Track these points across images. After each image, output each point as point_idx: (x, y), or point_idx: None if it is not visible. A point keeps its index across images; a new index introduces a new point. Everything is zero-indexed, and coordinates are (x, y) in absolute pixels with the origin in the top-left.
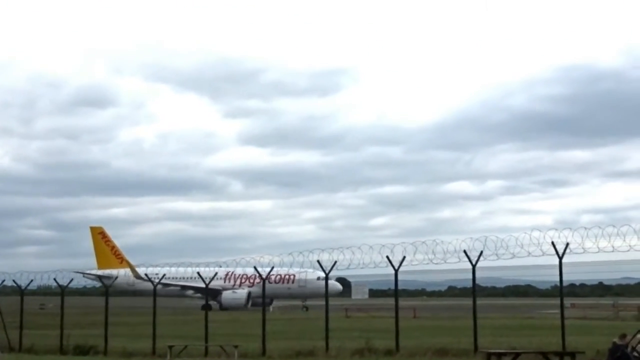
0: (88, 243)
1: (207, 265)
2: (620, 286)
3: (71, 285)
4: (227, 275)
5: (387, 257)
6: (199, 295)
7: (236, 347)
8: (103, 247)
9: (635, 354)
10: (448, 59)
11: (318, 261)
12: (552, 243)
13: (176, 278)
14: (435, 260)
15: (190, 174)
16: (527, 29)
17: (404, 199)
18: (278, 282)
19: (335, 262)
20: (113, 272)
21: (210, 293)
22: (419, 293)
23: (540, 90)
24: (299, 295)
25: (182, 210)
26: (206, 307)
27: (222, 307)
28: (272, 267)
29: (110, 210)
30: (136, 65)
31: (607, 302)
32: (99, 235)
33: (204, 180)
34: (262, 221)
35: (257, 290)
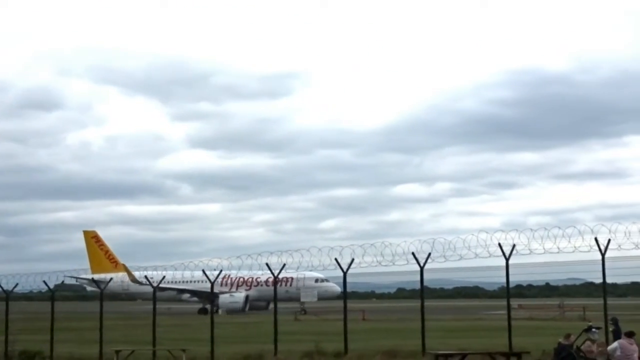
0: (37, 247)
1: (155, 269)
2: (566, 287)
3: (17, 290)
4: (223, 278)
5: (336, 259)
6: (195, 299)
7: (184, 351)
8: (97, 251)
9: (581, 354)
10: (398, 63)
11: (267, 264)
12: (499, 245)
13: (171, 282)
14: (384, 262)
15: (139, 177)
16: (476, 34)
17: (354, 201)
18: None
19: (284, 264)
20: (107, 276)
21: (207, 296)
22: (369, 295)
23: (490, 93)
24: (297, 298)
25: (131, 214)
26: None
27: (217, 311)
28: (221, 271)
29: (58, 214)
30: (84, 67)
31: (554, 303)
32: (93, 239)
33: (153, 184)
34: (212, 224)
35: (254, 293)
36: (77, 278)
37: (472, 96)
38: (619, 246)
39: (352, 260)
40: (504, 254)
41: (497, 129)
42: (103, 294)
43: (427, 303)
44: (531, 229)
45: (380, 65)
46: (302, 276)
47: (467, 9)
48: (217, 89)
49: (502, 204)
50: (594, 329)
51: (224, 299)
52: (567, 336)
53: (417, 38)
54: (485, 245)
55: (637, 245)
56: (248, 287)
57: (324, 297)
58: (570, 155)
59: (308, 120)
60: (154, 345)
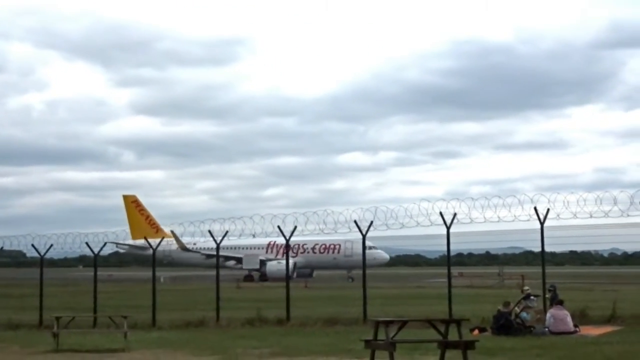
0: None
1: (96, 235)
2: (505, 255)
3: None
4: (268, 245)
5: (279, 227)
6: (239, 266)
7: (125, 317)
8: (137, 216)
9: (519, 320)
10: (343, 31)
11: (209, 231)
12: (440, 213)
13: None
14: (326, 230)
15: (81, 143)
16: (420, 3)
17: (298, 170)
18: (323, 252)
19: (227, 232)
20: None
21: (254, 263)
22: None
23: (433, 63)
24: (344, 265)
25: (71, 180)
26: (153, 276)
27: (264, 278)
28: (227, 232)
29: None
30: (24, 31)
31: (493, 271)
32: (133, 204)
33: (95, 150)
34: (155, 192)
35: (301, 260)
36: (117, 244)
37: (416, 66)
38: (558, 215)
39: (295, 227)
40: (445, 222)
41: (440, 99)
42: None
43: (368, 271)
44: (472, 198)
45: (325, 33)
46: (351, 244)
47: None
48: (161, 54)
49: (445, 173)
50: (532, 297)
51: (271, 266)
52: (507, 304)
53: (362, 6)
54: (427, 214)
55: (575, 215)
56: (294, 254)
57: (372, 265)
58: (512, 126)
59: (252, 88)
60: (94, 312)
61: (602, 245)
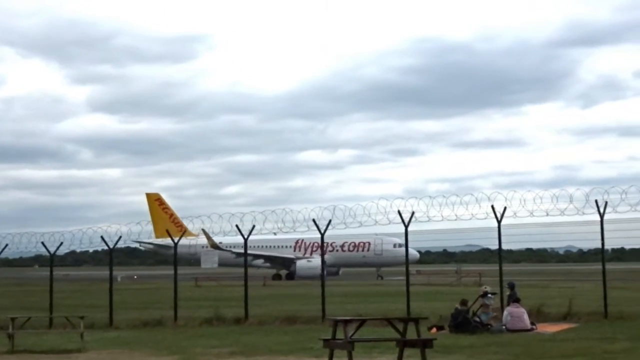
0: None
1: (53, 234)
2: (463, 253)
3: None
4: (297, 243)
5: (237, 225)
6: (267, 264)
7: (82, 318)
8: (160, 214)
9: (477, 318)
10: (303, 28)
11: (167, 230)
12: (399, 212)
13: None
14: (285, 229)
15: (37, 141)
16: (380, 1)
17: (257, 167)
18: (352, 250)
19: (185, 230)
20: (171, 241)
21: (282, 262)
22: None
23: (393, 61)
24: (374, 263)
25: (28, 178)
26: (110, 275)
27: (291, 277)
28: (120, 238)
29: None
30: None
31: (451, 269)
32: (156, 202)
33: (52, 148)
34: (112, 190)
35: (330, 258)
36: (140, 242)
37: (376, 63)
38: (515, 214)
39: (253, 226)
40: (403, 221)
41: (400, 97)
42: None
43: (398, 269)
44: (430, 197)
45: (284, 30)
46: (380, 241)
47: None
48: (119, 51)
49: (404, 171)
50: (489, 295)
51: (301, 264)
52: (464, 302)
53: (322, 4)
54: (385, 212)
55: (531, 213)
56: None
57: (402, 263)
58: (470, 124)
59: (212, 85)
60: (50, 312)
61: (558, 243)
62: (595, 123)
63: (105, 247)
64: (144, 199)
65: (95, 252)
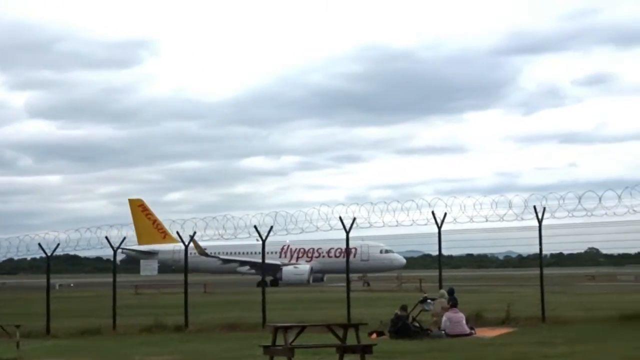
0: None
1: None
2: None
3: None
4: (282, 249)
5: (178, 232)
6: (252, 271)
7: (18, 326)
8: (144, 220)
9: (416, 324)
10: (248, 35)
11: (106, 237)
12: (340, 218)
13: (229, 253)
14: (226, 235)
15: None
16: (325, 8)
17: (201, 174)
18: (338, 256)
19: (124, 238)
20: (156, 247)
21: (268, 269)
22: None
23: (337, 68)
24: (361, 269)
25: None
26: (47, 283)
27: (275, 283)
28: (58, 245)
29: None
30: None
31: (392, 275)
32: (139, 208)
33: None
34: (53, 197)
35: (316, 264)
36: (123, 249)
37: (321, 70)
38: (455, 220)
39: (194, 233)
40: (344, 227)
41: (344, 104)
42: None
43: (386, 274)
44: (371, 203)
45: (230, 36)
46: (367, 247)
47: None
48: (61, 56)
49: (347, 177)
50: (429, 300)
51: (287, 270)
52: (404, 308)
53: (267, 9)
54: (327, 218)
55: (471, 219)
56: (309, 259)
57: (389, 268)
58: (413, 131)
59: (155, 91)
60: None
61: (498, 249)
62: (536, 130)
63: (44, 255)
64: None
65: (34, 259)
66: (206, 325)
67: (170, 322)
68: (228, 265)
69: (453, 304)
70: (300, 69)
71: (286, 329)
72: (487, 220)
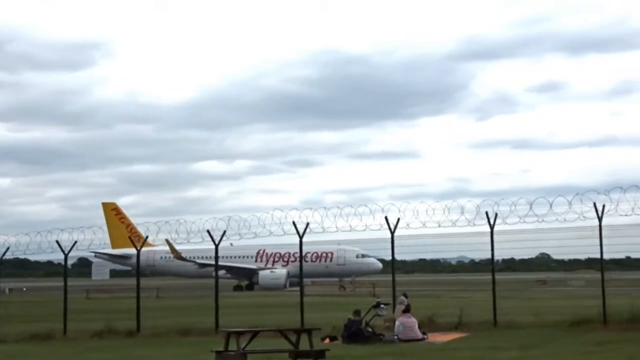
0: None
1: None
2: None
3: None
4: (258, 254)
5: (130, 237)
6: (228, 275)
7: None
8: (117, 224)
9: (369, 329)
10: (203, 38)
11: (57, 242)
12: (294, 223)
13: (206, 257)
14: (179, 240)
15: None
16: (281, 12)
17: (154, 177)
18: (315, 261)
19: (75, 242)
20: (130, 251)
21: (244, 273)
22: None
23: (293, 72)
24: (337, 274)
25: None
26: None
27: (250, 287)
28: (8, 249)
29: None
30: None
31: (346, 279)
32: (113, 212)
33: None
34: (2, 200)
35: (292, 269)
36: (96, 253)
37: (276, 74)
38: (407, 225)
39: (147, 237)
40: (297, 232)
41: (299, 108)
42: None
43: (363, 278)
44: (325, 208)
45: (184, 39)
46: (343, 252)
47: None
48: (13, 57)
49: (301, 182)
50: (382, 305)
51: (264, 275)
52: (357, 312)
53: (222, 12)
54: (280, 223)
55: (424, 224)
56: (285, 263)
57: (366, 273)
58: (368, 136)
59: (109, 93)
60: None
61: (450, 254)
62: (489, 136)
63: None
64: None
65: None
66: (159, 330)
67: (122, 327)
68: (204, 269)
69: (406, 309)
70: (255, 73)
71: (239, 334)
72: (439, 226)
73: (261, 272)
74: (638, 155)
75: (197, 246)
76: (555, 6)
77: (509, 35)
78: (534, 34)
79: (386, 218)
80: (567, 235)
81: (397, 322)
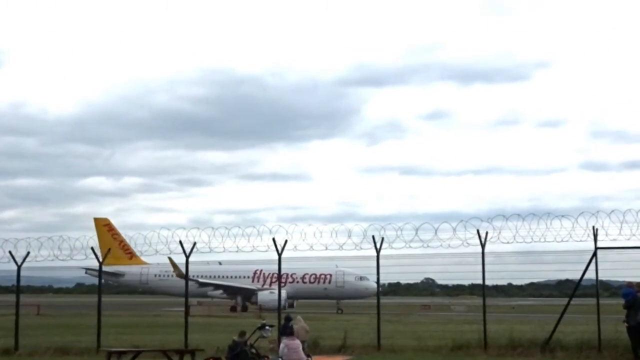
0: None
1: None
2: None
3: None
4: (255, 274)
5: (10, 252)
6: (224, 295)
7: None
8: (110, 240)
9: (253, 350)
10: (91, 51)
11: (180, 241)
12: (180, 242)
13: (203, 276)
14: (62, 256)
15: None
16: (171, 29)
17: (37, 192)
18: (313, 282)
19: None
20: (122, 268)
21: (242, 293)
22: (46, 290)
23: (183, 90)
24: (335, 296)
25: None
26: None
27: (245, 309)
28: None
29: None
30: None
31: (232, 301)
32: (105, 228)
33: None
34: None
35: (290, 290)
36: (87, 269)
37: (165, 91)
38: (295, 247)
39: (28, 253)
40: (184, 251)
41: (188, 126)
42: (119, 287)
43: (105, 299)
44: (212, 227)
45: (73, 52)
46: (342, 274)
47: (170, 4)
48: None
49: (190, 201)
50: (267, 327)
51: (263, 295)
52: (242, 334)
53: (111, 26)
54: (167, 242)
55: (311, 247)
56: (283, 284)
57: (365, 295)
58: (258, 156)
59: None
60: None
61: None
62: (378, 161)
63: None
64: None
65: None
66: (37, 348)
67: None
68: (202, 288)
69: (290, 331)
70: (145, 90)
71: (120, 353)
72: (327, 249)
73: (260, 293)
74: (521, 185)
75: (196, 265)
76: (446, 36)
77: (399, 63)
78: (424, 62)
79: (274, 240)
80: (451, 260)
81: (281, 345)
